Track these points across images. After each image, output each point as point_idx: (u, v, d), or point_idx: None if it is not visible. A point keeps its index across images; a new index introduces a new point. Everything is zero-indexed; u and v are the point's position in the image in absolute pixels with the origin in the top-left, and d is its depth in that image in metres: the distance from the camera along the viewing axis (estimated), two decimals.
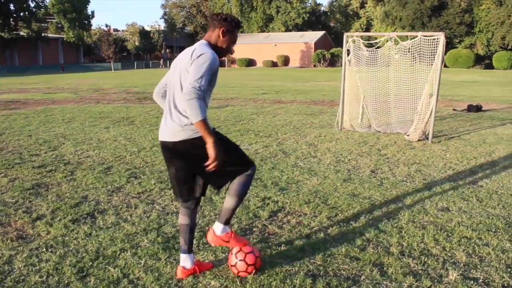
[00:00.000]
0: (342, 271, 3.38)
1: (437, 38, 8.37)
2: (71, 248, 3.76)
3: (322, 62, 63.04)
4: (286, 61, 67.40)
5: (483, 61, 56.37)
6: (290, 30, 73.87)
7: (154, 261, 3.51)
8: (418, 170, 6.44)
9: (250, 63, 68.89)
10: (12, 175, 6.05)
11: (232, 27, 3.09)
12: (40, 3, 65.26)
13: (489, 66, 54.61)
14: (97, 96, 18.87)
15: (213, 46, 3.06)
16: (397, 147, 8.03)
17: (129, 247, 3.77)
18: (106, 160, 6.91)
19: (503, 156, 7.34)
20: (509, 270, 3.43)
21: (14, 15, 61.87)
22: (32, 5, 63.47)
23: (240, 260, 3.23)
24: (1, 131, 9.61)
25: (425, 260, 3.56)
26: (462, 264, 3.50)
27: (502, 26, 52.70)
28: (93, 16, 73.72)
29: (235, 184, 3.20)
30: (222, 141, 3.02)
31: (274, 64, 67.09)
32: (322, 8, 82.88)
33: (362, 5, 76.70)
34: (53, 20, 70.12)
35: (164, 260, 3.53)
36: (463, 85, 24.84)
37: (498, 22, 53.04)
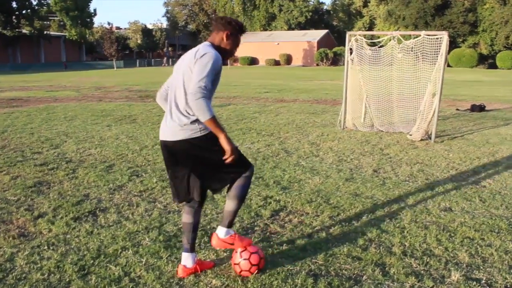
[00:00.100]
0: (344, 271, 3.37)
1: (441, 38, 8.34)
2: (72, 246, 3.76)
3: (324, 61, 62.98)
4: (288, 59, 67.36)
5: (487, 60, 56.22)
6: (293, 29, 73.79)
7: (155, 260, 3.51)
8: (421, 170, 6.42)
9: (253, 61, 68.86)
10: (14, 173, 6.05)
11: (236, 31, 3.13)
12: (42, 1, 65.31)
13: (493, 66, 54.46)
14: (99, 94, 18.88)
15: (217, 48, 3.08)
16: (400, 146, 8.01)
17: (131, 245, 3.77)
18: (108, 158, 6.91)
19: (507, 156, 7.31)
20: None
21: (17, 12, 61.92)
22: (34, 2, 63.58)
23: (245, 259, 3.22)
24: (4, 129, 9.62)
25: (428, 260, 3.55)
26: (464, 265, 3.49)
27: (506, 25, 52.55)
28: (95, 14, 73.81)
29: (234, 187, 3.20)
30: (214, 147, 3.01)
31: (277, 63, 67.07)
32: (325, 7, 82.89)
33: (365, 4, 76.52)
34: (55, 18, 70.13)
35: (165, 259, 3.52)
36: (466, 85, 24.78)
37: (502, 22, 52.89)
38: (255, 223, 4.33)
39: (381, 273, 3.33)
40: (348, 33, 9.62)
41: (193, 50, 3.07)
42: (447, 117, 11.76)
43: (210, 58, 2.88)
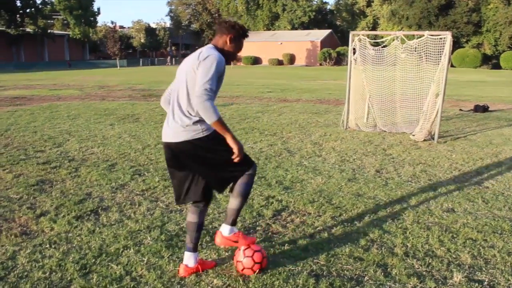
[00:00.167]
0: (345, 271, 3.36)
1: (444, 38, 8.31)
2: (74, 245, 3.76)
3: (328, 60, 62.91)
4: (291, 59, 67.33)
5: (491, 61, 56.06)
6: (296, 29, 73.72)
7: (157, 259, 3.51)
8: (424, 170, 6.40)
9: (256, 61, 68.83)
10: (17, 171, 6.06)
11: (239, 35, 3.17)
12: (46, 0, 65.44)
13: (497, 66, 54.30)
14: (103, 93, 18.90)
15: (220, 51, 3.11)
16: (403, 147, 7.99)
17: (132, 244, 3.77)
18: (111, 157, 6.92)
19: (510, 157, 7.29)
20: None
21: (21, 11, 62.04)
22: (38, 1, 63.63)
23: (248, 256, 3.22)
24: (7, 127, 9.64)
25: (430, 261, 3.54)
26: (467, 266, 3.47)
27: (510, 25, 52.40)
28: (99, 13, 73.89)
29: (238, 184, 3.22)
30: (225, 142, 3.02)
31: (280, 63, 67.04)
32: (328, 7, 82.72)
33: (369, 4, 76.41)
34: (59, 16, 70.27)
35: (167, 258, 3.52)
36: (470, 85, 24.70)
37: (506, 22, 52.72)
38: (257, 223, 4.33)
39: (383, 274, 3.32)
40: (351, 33, 9.60)
41: (196, 52, 3.09)
42: (450, 117, 11.73)
43: (214, 60, 2.91)
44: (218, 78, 2.93)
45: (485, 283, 3.24)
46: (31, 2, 62.03)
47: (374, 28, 72.18)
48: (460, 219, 4.46)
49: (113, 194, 5.13)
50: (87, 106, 13.79)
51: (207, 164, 3.10)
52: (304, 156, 7.14)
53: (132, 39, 79.53)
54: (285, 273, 3.29)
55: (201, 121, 2.99)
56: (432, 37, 8.59)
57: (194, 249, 3.28)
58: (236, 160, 3.02)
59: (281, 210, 4.68)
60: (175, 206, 4.74)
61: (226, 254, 3.61)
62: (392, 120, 9.58)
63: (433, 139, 8.50)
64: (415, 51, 8.99)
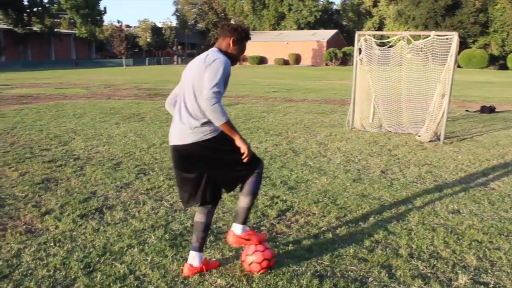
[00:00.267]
0: (349, 272, 3.35)
1: (450, 38, 8.27)
2: (78, 243, 3.77)
3: (334, 60, 62.82)
4: (297, 59, 67.28)
5: (498, 61, 55.78)
6: (302, 28, 73.66)
7: (161, 258, 3.51)
8: (429, 171, 6.36)
9: (262, 61, 68.84)
10: (22, 169, 6.09)
11: (242, 37, 3.20)
12: None
13: (504, 67, 54.03)
14: (108, 92, 18.96)
15: (224, 53, 3.14)
16: (408, 147, 7.96)
17: (136, 243, 3.77)
18: (116, 156, 6.93)
19: None
20: None
21: (28, 10, 62.35)
22: (45, 0, 63.94)
23: (259, 251, 3.22)
24: (13, 125, 9.69)
25: (435, 263, 3.51)
26: (472, 268, 3.45)
27: None
28: (105, 12, 74.25)
29: (247, 183, 3.25)
30: (232, 142, 3.05)
31: (286, 62, 67.01)
32: (335, 7, 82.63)
33: (375, 4, 76.22)
34: (66, 15, 70.58)
35: (171, 257, 3.52)
36: (477, 86, 24.58)
37: None
38: (262, 222, 4.32)
39: (387, 275, 3.31)
40: (357, 33, 9.57)
41: (202, 56, 3.12)
42: (456, 118, 11.67)
43: (221, 64, 2.95)
44: (225, 81, 2.97)
45: (491, 285, 3.21)
46: (38, 1, 62.33)
47: (380, 28, 71.97)
48: (465, 220, 4.43)
49: (117, 193, 5.14)
50: (93, 105, 13.83)
51: (215, 165, 3.12)
52: (309, 156, 7.12)
53: (138, 38, 79.69)
54: (289, 273, 3.28)
55: (208, 122, 3.02)
56: (438, 37, 8.55)
57: (200, 249, 3.29)
58: (245, 160, 3.06)
59: (286, 210, 4.67)
60: (180, 205, 4.74)
61: (230, 254, 3.61)
62: (397, 120, 9.54)
63: (439, 140, 8.46)
64: (421, 51, 8.95)
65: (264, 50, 68.68)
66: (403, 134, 9.21)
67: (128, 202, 4.83)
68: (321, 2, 76.76)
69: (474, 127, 10.32)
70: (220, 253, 3.62)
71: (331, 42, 66.76)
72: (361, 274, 3.32)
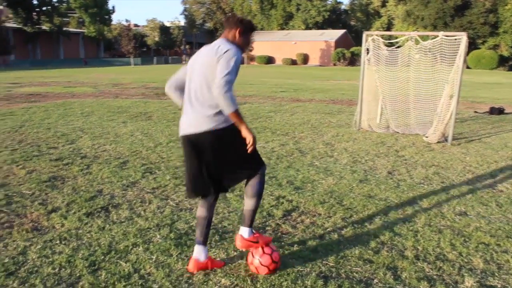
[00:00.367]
0: (354, 273, 3.33)
1: (459, 39, 8.21)
2: (84, 241, 3.78)
3: (342, 60, 62.65)
4: (305, 59, 67.15)
5: (507, 62, 55.30)
6: (310, 28, 73.51)
7: (165, 257, 3.51)
8: (436, 172, 6.32)
9: (270, 60, 68.79)
10: (30, 167, 6.12)
11: (247, 29, 3.25)
12: None
13: None
14: (116, 90, 19.03)
15: (232, 44, 3.17)
16: (416, 148, 7.91)
17: (142, 242, 3.78)
18: (122, 155, 6.95)
19: None
20: None
21: (37, 9, 62.81)
22: None
23: (267, 254, 3.21)
24: (21, 124, 9.75)
25: (441, 265, 3.48)
26: (479, 271, 3.42)
27: None
28: (113, 11, 74.55)
29: (251, 185, 3.26)
30: (239, 137, 3.08)
31: (294, 62, 66.89)
32: (343, 7, 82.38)
33: (384, 4, 75.87)
34: (74, 14, 71.00)
35: (175, 257, 3.52)
36: (486, 87, 24.39)
37: None
38: (267, 223, 4.31)
39: (392, 277, 3.28)
40: (365, 33, 9.53)
41: (213, 45, 3.16)
42: (465, 119, 11.58)
43: (234, 54, 3.02)
44: (236, 70, 3.03)
45: None
46: (47, 0, 62.74)
47: (389, 28, 71.67)
48: (472, 222, 4.40)
49: (123, 192, 5.15)
50: (100, 103, 13.89)
51: (223, 157, 3.14)
52: (316, 157, 7.10)
53: (146, 37, 79.91)
54: (293, 274, 3.27)
55: (221, 112, 3.06)
56: (447, 38, 8.49)
57: (205, 243, 3.31)
58: (249, 149, 3.07)
59: (291, 210, 4.66)
60: (185, 204, 4.75)
61: (235, 253, 3.60)
62: (405, 121, 9.49)
63: (447, 141, 8.40)
64: (430, 52, 8.89)
65: (272, 50, 68.63)
66: (411, 135, 9.15)
67: (134, 201, 4.84)
68: (329, 2, 76.57)
69: (482, 129, 10.24)
70: (225, 253, 3.61)
71: (339, 42, 66.57)
72: (366, 275, 3.30)
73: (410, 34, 9.18)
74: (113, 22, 74.44)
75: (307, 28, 73.80)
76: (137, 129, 9.29)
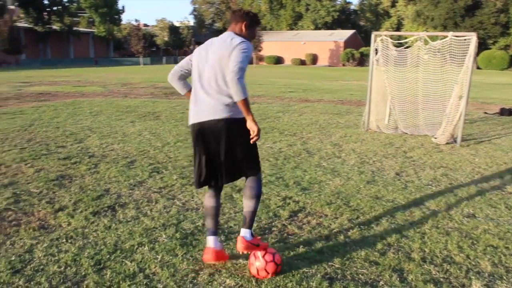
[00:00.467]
0: (360, 275, 3.30)
1: (469, 39, 8.13)
2: (90, 240, 3.79)
3: (351, 61, 62.44)
4: (314, 59, 67.01)
5: None
6: (319, 29, 73.35)
7: (171, 257, 3.51)
8: (445, 174, 6.27)
9: (278, 60, 68.74)
10: (38, 166, 6.16)
11: (253, 22, 3.34)
12: None
13: None
14: (125, 90, 19.12)
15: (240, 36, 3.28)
16: (424, 149, 7.85)
17: (147, 241, 3.78)
18: (130, 154, 6.97)
19: None
20: None
21: (48, 9, 63.34)
22: None
23: (270, 261, 3.18)
24: (31, 122, 9.82)
25: (448, 268, 3.45)
26: (486, 274, 3.38)
27: None
28: (123, 11, 75.01)
29: (250, 186, 3.30)
30: (250, 133, 3.15)
31: (303, 62, 66.79)
32: (352, 7, 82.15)
33: (393, 4, 75.48)
34: (84, 14, 71.48)
35: (180, 256, 3.52)
36: (496, 88, 24.17)
37: None
38: (273, 223, 4.29)
39: (398, 279, 3.25)
40: (373, 33, 9.48)
41: (224, 37, 3.25)
42: (474, 120, 11.48)
43: (247, 47, 3.15)
44: (248, 61, 3.14)
45: None
46: (58, 0, 63.21)
47: (398, 29, 71.28)
48: (481, 225, 4.35)
49: (130, 191, 5.17)
50: (109, 103, 13.96)
51: (233, 148, 3.19)
52: (323, 157, 7.07)
53: (155, 37, 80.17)
54: (298, 275, 3.25)
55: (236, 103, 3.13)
56: (456, 38, 8.42)
57: (217, 233, 3.43)
58: (253, 140, 3.12)
59: (298, 211, 4.64)
60: (191, 204, 4.75)
61: (241, 253, 3.58)
62: (414, 122, 9.42)
63: (456, 142, 8.33)
64: (439, 52, 8.82)
65: (281, 50, 68.58)
66: (419, 136, 9.09)
67: (141, 200, 4.85)
68: (338, 2, 76.38)
69: (492, 130, 10.14)
70: (230, 253, 3.60)
71: (348, 43, 66.36)
72: (372, 277, 3.28)
73: (419, 34, 9.12)
74: (123, 22, 74.85)
75: (316, 28, 73.66)
76: (145, 128, 9.32)
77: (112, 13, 69.09)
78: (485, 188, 5.61)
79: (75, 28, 66.54)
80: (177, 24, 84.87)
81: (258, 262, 3.20)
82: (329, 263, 3.46)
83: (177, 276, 3.22)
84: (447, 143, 8.34)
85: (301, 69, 52.56)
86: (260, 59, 67.33)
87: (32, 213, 4.43)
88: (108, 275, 3.21)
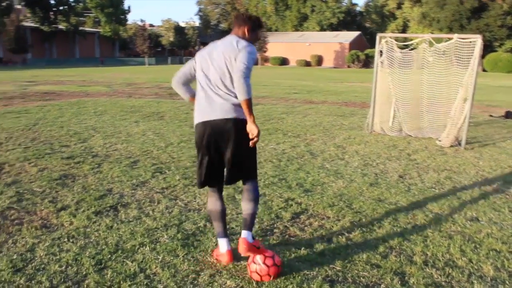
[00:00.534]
0: (361, 278, 3.29)
1: (474, 41, 8.10)
2: (91, 240, 3.80)
3: (356, 63, 62.33)
4: (319, 61, 66.94)
5: None
6: (325, 30, 73.27)
7: (172, 258, 3.51)
8: (448, 177, 6.24)
9: (283, 62, 68.71)
10: (41, 165, 6.18)
11: (255, 26, 3.37)
12: None
13: None
14: (130, 90, 19.16)
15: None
16: (428, 152, 7.82)
17: (149, 242, 3.78)
18: (133, 154, 6.98)
19: None
20: None
21: (54, 9, 63.66)
22: None
23: (272, 265, 3.16)
24: (35, 122, 9.86)
25: (450, 271, 3.43)
26: (489, 278, 3.35)
27: None
28: (129, 11, 75.12)
29: (249, 189, 3.36)
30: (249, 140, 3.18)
31: (308, 64, 66.72)
32: (358, 8, 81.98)
33: (399, 6, 75.26)
34: (90, 14, 71.77)
35: (181, 257, 3.52)
36: (502, 91, 24.06)
37: None
38: (275, 225, 4.29)
39: (400, 282, 3.24)
40: (378, 35, 9.45)
41: (229, 40, 3.27)
42: (479, 123, 11.42)
43: (253, 50, 3.21)
44: (253, 63, 3.18)
45: None
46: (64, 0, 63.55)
47: (404, 30, 70.99)
48: (484, 228, 4.32)
49: (133, 191, 5.17)
50: (114, 102, 13.99)
51: (238, 149, 3.21)
52: (327, 159, 7.06)
53: (161, 37, 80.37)
54: (299, 277, 3.24)
55: None
56: (461, 40, 8.38)
57: (227, 235, 3.49)
58: (252, 141, 3.13)
59: (300, 213, 4.63)
60: (194, 205, 4.75)
61: (241, 254, 3.57)
62: (418, 124, 9.38)
63: (460, 145, 8.30)
64: (444, 54, 8.78)
65: (286, 51, 68.56)
66: (423, 138, 9.06)
67: (143, 201, 4.85)
68: (344, 4, 76.27)
69: (497, 133, 10.09)
70: (232, 254, 3.59)
71: (353, 44, 66.25)
72: (373, 280, 3.26)
73: (424, 36, 9.09)
74: (129, 22, 75.06)
75: (322, 29, 73.58)
76: (149, 128, 9.34)
77: (118, 13, 69.34)
78: (489, 192, 5.58)
79: (81, 28, 66.84)
80: (182, 24, 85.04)
81: (259, 268, 3.15)
82: (330, 266, 3.45)
83: (177, 277, 3.22)
84: (451, 146, 8.30)
85: (306, 70, 52.53)
86: (265, 60, 67.32)
87: (34, 212, 4.44)
88: (108, 275, 3.21)
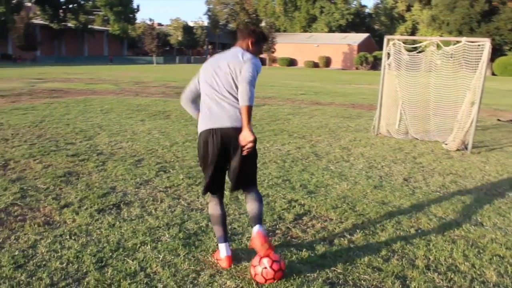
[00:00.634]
0: (362, 281, 3.27)
1: (482, 45, 8.03)
2: (93, 238, 3.80)
3: (364, 65, 62.15)
4: (327, 62, 66.79)
5: None
6: (333, 31, 73.08)
7: (172, 257, 3.50)
8: (454, 181, 6.19)
9: (292, 62, 68.63)
10: (46, 162, 6.21)
11: (259, 39, 3.44)
12: None
13: None
14: (137, 88, 19.22)
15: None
16: (434, 156, 7.77)
17: (150, 240, 3.78)
18: (138, 153, 7.00)
19: None
20: None
21: (64, 7, 64.02)
22: None
23: (280, 270, 3.14)
24: (42, 119, 9.91)
25: (452, 276, 3.39)
26: (491, 284, 3.32)
27: None
28: (138, 10, 75.32)
29: (252, 191, 3.39)
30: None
31: (316, 65, 66.58)
32: (367, 10, 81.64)
33: (409, 8, 74.95)
34: (99, 12, 72.12)
35: (182, 256, 3.51)
36: (511, 95, 23.87)
37: None
38: (277, 226, 4.27)
39: (401, 286, 3.21)
40: (386, 37, 9.41)
41: (234, 52, 3.31)
42: (487, 127, 11.34)
43: (257, 61, 3.28)
44: (257, 75, 3.23)
45: None
46: None
47: (413, 33, 70.62)
48: (488, 234, 4.28)
49: (136, 190, 5.18)
50: (120, 101, 14.04)
51: (242, 158, 3.21)
52: (331, 161, 7.03)
53: (169, 36, 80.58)
54: (299, 279, 3.22)
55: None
56: (470, 43, 8.32)
57: (228, 239, 3.48)
58: (246, 147, 3.11)
59: (303, 214, 4.61)
60: (196, 204, 4.75)
61: (242, 256, 3.57)
62: (424, 127, 9.33)
63: (467, 149, 8.23)
64: (452, 57, 8.72)
65: (294, 52, 68.46)
66: (430, 141, 9.00)
67: (146, 199, 4.86)
68: (353, 5, 76.02)
69: (505, 137, 10.00)
70: (233, 255, 3.58)
71: (362, 46, 66.05)
72: (374, 283, 3.24)
73: (432, 39, 9.04)
74: (137, 21, 75.39)
75: (330, 31, 73.39)
76: (154, 127, 9.35)
77: (127, 12, 69.62)
78: (494, 196, 5.53)
79: (90, 26, 67.15)
80: (191, 24, 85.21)
81: (266, 271, 3.10)
82: (331, 268, 3.43)
83: (177, 276, 3.21)
84: (457, 150, 8.24)
85: (314, 71, 52.43)
86: (273, 60, 67.23)
87: (38, 208, 4.46)
88: (109, 273, 3.21)
